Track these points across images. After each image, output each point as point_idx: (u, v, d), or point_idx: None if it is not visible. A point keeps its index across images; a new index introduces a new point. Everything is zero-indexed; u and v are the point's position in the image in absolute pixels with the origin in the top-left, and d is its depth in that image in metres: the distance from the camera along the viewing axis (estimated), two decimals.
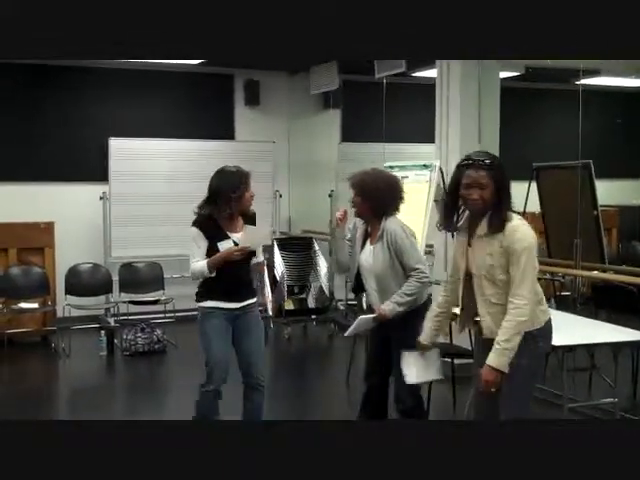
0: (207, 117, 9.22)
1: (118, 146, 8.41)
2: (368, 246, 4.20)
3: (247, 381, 4.41)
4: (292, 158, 9.65)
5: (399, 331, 4.05)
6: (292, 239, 8.88)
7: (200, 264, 4.19)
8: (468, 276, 3.38)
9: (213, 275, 4.20)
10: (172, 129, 8.85)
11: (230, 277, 4.26)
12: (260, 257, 4.50)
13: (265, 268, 4.55)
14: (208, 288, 4.28)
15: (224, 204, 4.20)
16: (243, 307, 4.34)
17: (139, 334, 7.25)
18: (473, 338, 3.58)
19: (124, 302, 7.96)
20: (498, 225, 3.21)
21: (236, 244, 4.24)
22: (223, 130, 9.30)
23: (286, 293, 8.19)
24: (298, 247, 8.56)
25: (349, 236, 4.36)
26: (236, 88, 9.45)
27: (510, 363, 3.20)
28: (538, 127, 10.23)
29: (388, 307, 4.03)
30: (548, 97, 10.13)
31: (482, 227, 3.28)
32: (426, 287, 4.19)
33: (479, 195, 3.24)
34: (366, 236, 4.25)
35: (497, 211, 3.23)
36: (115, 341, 7.51)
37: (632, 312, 5.56)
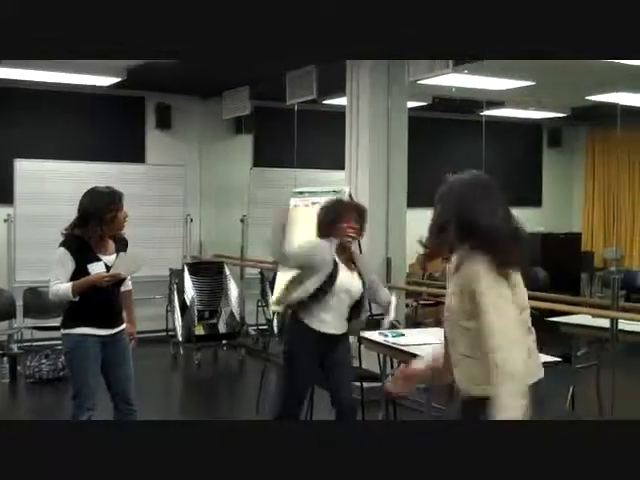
0: (118, 140, 9.12)
1: (24, 168, 8.22)
2: (347, 271, 4.30)
3: (120, 408, 4.33)
4: (204, 182, 9.62)
5: (347, 351, 4.41)
6: (203, 263, 8.84)
7: (64, 286, 4.05)
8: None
9: (76, 299, 4.07)
10: (82, 151, 8.71)
11: (101, 303, 4.19)
12: (129, 285, 4.47)
13: (132, 297, 4.51)
14: (78, 314, 4.16)
15: (96, 225, 4.13)
16: (114, 334, 4.27)
17: (43, 360, 7.06)
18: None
19: (28, 328, 7.75)
20: (433, 252, 2.73)
21: (107, 266, 4.17)
22: (134, 153, 9.20)
23: (196, 318, 8.13)
24: (209, 272, 8.51)
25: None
26: (147, 111, 9.39)
27: None
28: (444, 155, 10.52)
29: None
30: (454, 127, 10.46)
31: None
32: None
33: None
34: (335, 262, 4.28)
35: (431, 235, 2.69)
36: (18, 368, 7.28)
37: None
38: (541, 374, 2.66)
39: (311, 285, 4.20)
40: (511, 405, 2.37)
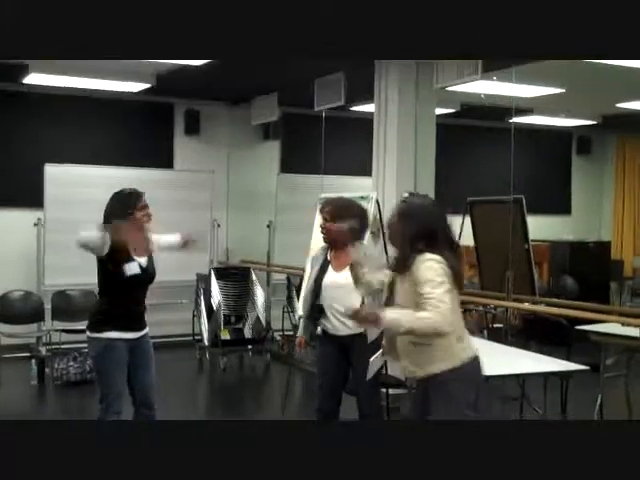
0: (146, 145, 9.19)
1: (54, 173, 8.29)
2: (333, 272, 4.31)
3: (142, 411, 4.34)
4: (231, 188, 9.66)
5: (365, 354, 4.10)
6: (230, 269, 8.87)
7: (96, 233, 4.05)
8: (389, 305, 3.42)
9: (104, 253, 4.08)
10: (111, 156, 8.78)
11: (130, 305, 4.23)
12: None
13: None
14: (106, 318, 4.19)
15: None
16: (139, 337, 4.30)
17: (71, 363, 7.12)
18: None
19: (56, 330, 7.82)
20: (402, 260, 3.33)
21: (141, 267, 4.22)
22: (162, 159, 9.26)
23: (222, 323, 8.15)
24: (236, 277, 8.54)
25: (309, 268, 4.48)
26: (176, 117, 9.45)
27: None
28: (472, 163, 10.48)
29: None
30: (482, 134, 10.40)
31: None
32: None
33: (389, 224, 3.52)
34: (326, 262, 4.36)
35: (404, 247, 3.33)
36: (46, 370, 7.35)
37: (561, 344, 5.70)
38: (477, 352, 3.37)
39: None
40: (411, 327, 3.09)
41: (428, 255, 3.22)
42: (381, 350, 3.76)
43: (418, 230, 3.29)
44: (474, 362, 3.34)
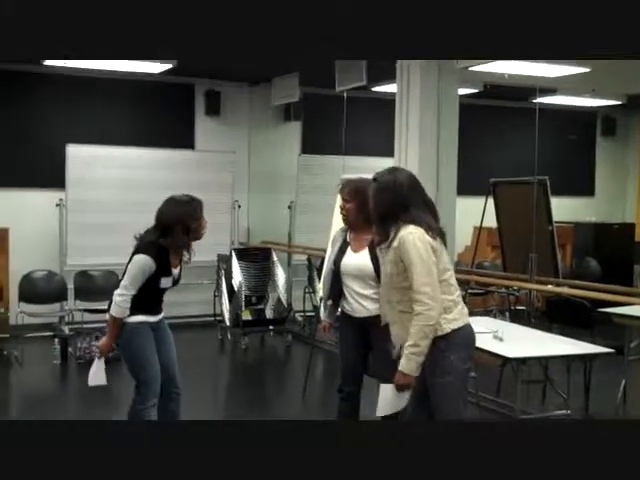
0: (167, 126, 9.19)
1: (76, 153, 8.32)
2: (351, 253, 4.26)
3: (166, 389, 4.31)
4: (252, 169, 9.65)
5: (384, 338, 3.96)
6: (251, 249, 8.87)
7: (123, 308, 4.07)
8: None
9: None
10: (131, 137, 8.80)
11: (159, 294, 4.24)
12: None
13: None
14: (135, 303, 4.14)
15: (182, 234, 4.10)
16: (160, 320, 4.33)
17: (93, 342, 7.16)
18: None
19: (79, 310, 7.87)
20: (382, 235, 3.49)
21: (174, 279, 4.22)
22: (183, 139, 9.26)
23: (243, 303, 8.17)
24: (256, 258, 8.54)
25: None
26: (197, 98, 9.44)
27: (432, 384, 3.39)
28: (495, 143, 10.38)
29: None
30: (506, 114, 10.30)
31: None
32: None
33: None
34: (345, 244, 4.31)
35: (382, 222, 3.49)
36: (69, 349, 7.41)
37: (585, 326, 5.66)
38: (468, 320, 3.50)
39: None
40: (420, 344, 3.27)
41: (410, 228, 3.37)
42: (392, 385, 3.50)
43: (388, 203, 3.44)
44: (460, 332, 3.42)
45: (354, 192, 4.22)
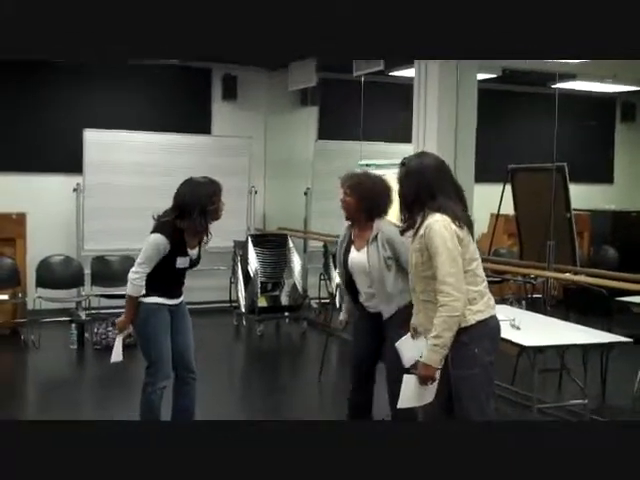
0: (184, 111, 9.18)
1: (93, 138, 8.33)
2: (355, 251, 4.20)
3: (182, 375, 4.35)
4: (268, 154, 9.63)
5: (392, 330, 4.00)
6: (267, 236, 8.86)
7: (138, 286, 4.11)
8: None
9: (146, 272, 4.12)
10: (148, 122, 8.80)
11: (175, 276, 4.24)
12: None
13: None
14: (152, 284, 4.16)
15: (199, 216, 4.09)
16: (178, 304, 4.33)
17: (110, 328, 7.18)
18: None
19: (96, 296, 7.91)
20: (409, 222, 3.43)
21: (192, 260, 4.22)
22: (200, 124, 9.26)
23: (259, 290, 8.17)
24: (272, 244, 8.53)
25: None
26: (214, 82, 9.42)
27: (455, 376, 3.31)
28: (514, 129, 10.30)
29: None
30: (524, 100, 10.20)
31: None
32: None
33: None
34: (350, 241, 4.25)
35: (409, 209, 3.43)
36: (86, 335, 7.44)
37: (602, 314, 5.61)
38: (494, 311, 3.43)
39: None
40: (443, 335, 3.20)
41: (436, 216, 3.29)
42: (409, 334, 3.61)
43: (415, 189, 3.37)
44: (485, 324, 3.35)
45: (354, 186, 4.15)
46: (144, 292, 4.17)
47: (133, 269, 4.14)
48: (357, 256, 4.18)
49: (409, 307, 3.97)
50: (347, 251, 4.25)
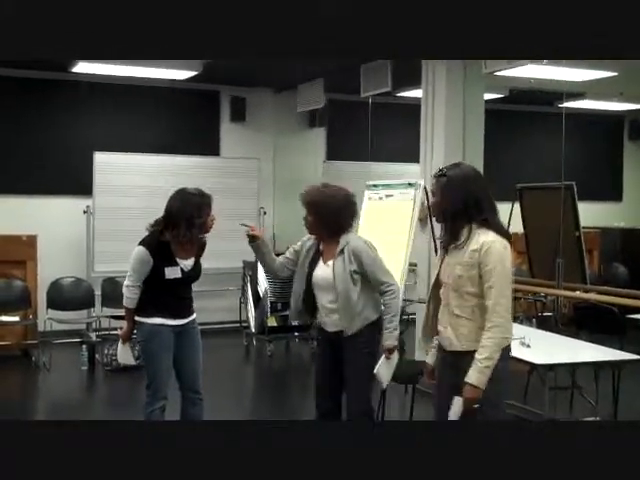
0: (192, 133, 9.24)
1: (103, 160, 8.38)
2: (322, 264, 4.04)
3: (189, 396, 4.35)
4: (277, 175, 9.66)
5: (353, 351, 3.94)
6: (276, 256, 8.85)
7: (132, 297, 4.19)
8: (437, 284, 3.37)
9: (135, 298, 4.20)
10: (157, 144, 8.85)
11: (175, 295, 4.24)
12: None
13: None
14: (153, 304, 4.19)
15: (185, 229, 4.10)
16: (185, 324, 4.31)
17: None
18: (433, 352, 3.44)
19: (106, 317, 7.92)
20: (453, 234, 3.22)
21: (183, 271, 4.19)
22: (208, 146, 9.31)
23: (269, 310, 8.18)
24: None
25: (289, 253, 4.25)
26: (222, 104, 9.48)
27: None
28: (522, 149, 10.32)
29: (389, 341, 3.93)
30: (532, 119, 10.24)
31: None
32: (398, 297, 4.04)
33: (432, 203, 3.38)
34: (317, 254, 4.09)
35: (453, 221, 3.22)
36: (96, 356, 7.46)
37: (613, 332, 5.60)
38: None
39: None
40: (494, 357, 3.08)
41: (491, 235, 3.15)
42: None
43: (460, 200, 3.18)
44: (510, 347, 3.26)
45: (311, 204, 4.03)
46: (147, 313, 4.21)
47: (124, 282, 4.22)
48: (323, 269, 4.01)
49: (371, 326, 3.94)
50: (314, 261, 4.08)
